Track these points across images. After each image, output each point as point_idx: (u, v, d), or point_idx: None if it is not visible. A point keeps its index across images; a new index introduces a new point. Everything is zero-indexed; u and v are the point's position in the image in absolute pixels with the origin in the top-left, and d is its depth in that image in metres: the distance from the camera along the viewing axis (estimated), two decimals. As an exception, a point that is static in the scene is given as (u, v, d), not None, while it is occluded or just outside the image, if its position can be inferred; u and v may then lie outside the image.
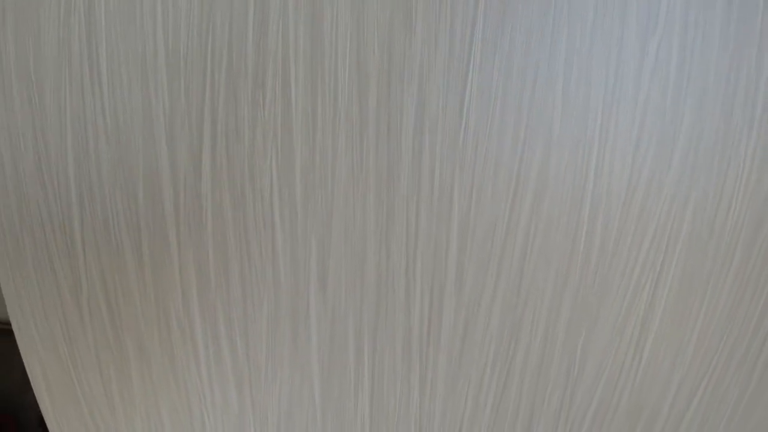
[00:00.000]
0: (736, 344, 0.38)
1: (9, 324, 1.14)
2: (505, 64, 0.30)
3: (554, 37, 0.31)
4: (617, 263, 0.34)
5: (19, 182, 0.36)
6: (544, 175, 0.32)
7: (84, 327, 0.38)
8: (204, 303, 0.35)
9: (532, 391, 0.37)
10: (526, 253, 0.33)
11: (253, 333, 0.35)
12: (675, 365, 0.37)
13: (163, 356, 0.37)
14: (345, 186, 0.32)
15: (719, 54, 0.31)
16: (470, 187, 0.32)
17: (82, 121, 0.33)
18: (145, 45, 0.31)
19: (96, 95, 0.33)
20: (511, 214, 0.32)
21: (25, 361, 0.42)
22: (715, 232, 0.34)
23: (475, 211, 0.32)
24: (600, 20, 0.30)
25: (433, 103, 0.30)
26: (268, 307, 0.34)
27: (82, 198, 0.35)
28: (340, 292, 0.34)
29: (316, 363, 0.35)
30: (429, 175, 0.32)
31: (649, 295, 0.35)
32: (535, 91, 0.30)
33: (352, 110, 0.31)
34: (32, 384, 0.42)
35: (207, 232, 0.33)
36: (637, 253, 0.34)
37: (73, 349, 0.39)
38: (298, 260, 0.33)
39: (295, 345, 0.35)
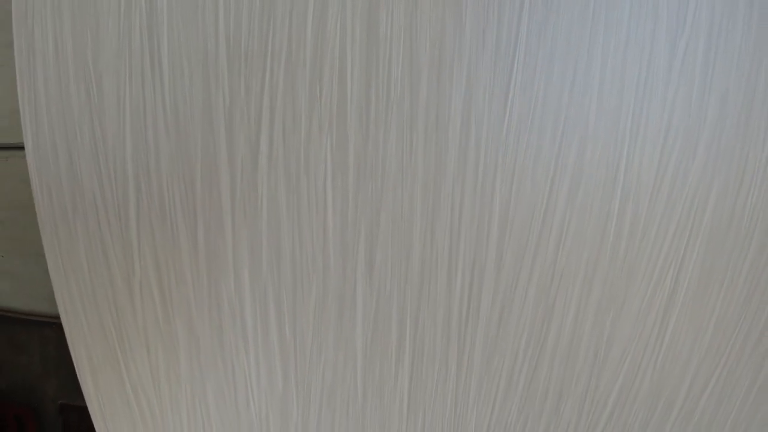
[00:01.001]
0: (750, 331, 0.41)
1: (27, 314, 1.14)
2: (547, 60, 0.32)
3: (592, 36, 0.33)
4: (644, 249, 0.36)
5: (74, 172, 0.37)
6: (580, 165, 0.34)
7: (134, 311, 0.39)
8: (255, 285, 0.36)
9: (561, 370, 0.39)
10: (561, 239, 0.35)
11: (301, 314, 0.37)
12: (693, 350, 0.40)
13: (212, 338, 0.38)
14: (395, 175, 0.34)
15: (741, 53, 0.34)
16: (511, 176, 0.34)
17: (142, 112, 0.35)
18: (206, 38, 0.33)
19: (156, 87, 0.34)
20: (548, 202, 0.34)
21: (70, 345, 0.43)
22: (735, 219, 0.37)
23: (515, 199, 0.34)
24: (635, 20, 0.32)
25: (479, 97, 0.32)
26: (316, 290, 0.36)
27: (139, 186, 0.36)
28: (386, 275, 0.36)
29: (360, 343, 0.37)
30: (474, 164, 0.34)
31: (672, 280, 0.37)
32: (574, 85, 0.33)
33: (404, 103, 0.32)
34: (76, 367, 0.43)
35: (262, 218, 0.35)
36: (662, 241, 0.36)
37: (121, 332, 0.40)
38: (348, 245, 0.35)
39: (341, 326, 0.37)
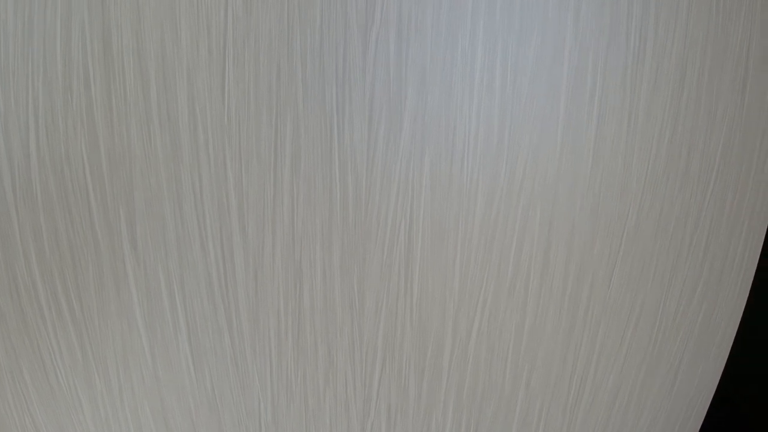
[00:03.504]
0: (500, 274, 0.45)
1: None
2: (254, 58, 0.38)
3: (290, 38, 0.39)
4: (372, 210, 0.41)
5: None
6: (297, 141, 0.40)
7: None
8: (43, 269, 0.42)
9: (323, 326, 0.43)
10: (293, 206, 0.41)
11: (85, 292, 0.42)
12: (445, 296, 0.44)
13: (17, 319, 0.44)
14: (141, 163, 0.39)
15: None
16: (239, 158, 0.39)
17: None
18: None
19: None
20: (275, 179, 0.40)
21: None
22: (454, 179, 0.42)
23: (247, 179, 0.40)
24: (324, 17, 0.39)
25: (201, 92, 0.39)
26: (93, 267, 0.42)
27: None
28: (149, 250, 0.41)
29: (139, 313, 0.42)
30: (204, 149, 0.39)
31: (405, 236, 0.42)
32: (280, 72, 0.39)
33: (139, 103, 0.39)
34: None
35: (38, 207, 0.41)
36: (387, 200, 0.41)
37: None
38: (112, 225, 0.40)
39: (120, 300, 0.42)
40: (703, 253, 0.60)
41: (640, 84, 0.50)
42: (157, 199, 0.42)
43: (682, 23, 0.51)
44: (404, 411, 0.50)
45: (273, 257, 0.43)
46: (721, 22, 0.53)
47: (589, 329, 0.54)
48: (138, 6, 0.40)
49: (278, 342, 0.45)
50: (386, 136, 0.42)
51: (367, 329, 0.45)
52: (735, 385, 0.95)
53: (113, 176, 0.41)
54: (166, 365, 0.46)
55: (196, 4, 0.40)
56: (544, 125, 0.46)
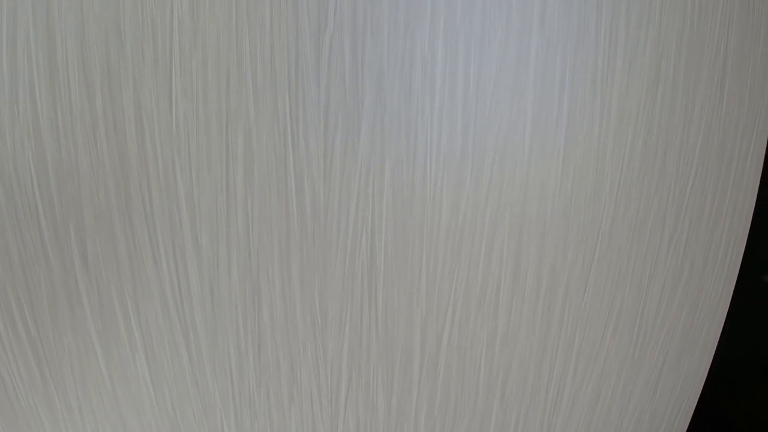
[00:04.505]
0: (469, 285, 0.44)
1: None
2: (202, 65, 0.37)
3: (238, 43, 0.37)
4: (331, 221, 0.39)
5: None
6: (250, 152, 0.38)
7: None
8: (-6, 287, 0.40)
9: (286, 342, 0.42)
10: (248, 219, 0.39)
11: (39, 311, 0.41)
12: (412, 307, 0.43)
13: (-30, 339, 0.42)
14: (89, 176, 0.38)
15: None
16: (189, 170, 0.38)
17: None
18: None
19: None
20: (228, 190, 0.38)
21: None
22: (417, 186, 0.40)
23: (198, 189, 0.38)
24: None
25: (147, 101, 0.37)
26: (45, 285, 0.40)
27: None
28: (100, 268, 0.39)
29: (94, 331, 0.41)
30: (153, 160, 0.38)
31: (367, 245, 0.40)
32: (229, 81, 0.37)
33: (85, 114, 0.37)
34: None
35: (-16, 226, 0.39)
36: (347, 211, 0.39)
37: None
38: (62, 242, 0.39)
39: (73, 316, 0.40)
40: (683, 254, 0.58)
41: (612, 83, 0.48)
42: (107, 214, 0.40)
43: (655, 20, 0.49)
44: (374, 427, 0.48)
45: (229, 271, 0.41)
46: (696, 18, 0.50)
47: (565, 335, 0.52)
48: (82, 16, 0.38)
49: (238, 359, 0.44)
50: (343, 143, 0.40)
51: (331, 343, 0.44)
52: (721, 385, 0.93)
53: (61, 191, 0.40)
54: (124, 384, 0.44)
55: (140, 9, 0.38)
56: (511, 128, 0.44)
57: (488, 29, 0.42)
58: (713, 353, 0.72)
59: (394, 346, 0.45)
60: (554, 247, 0.48)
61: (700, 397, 0.76)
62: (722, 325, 0.71)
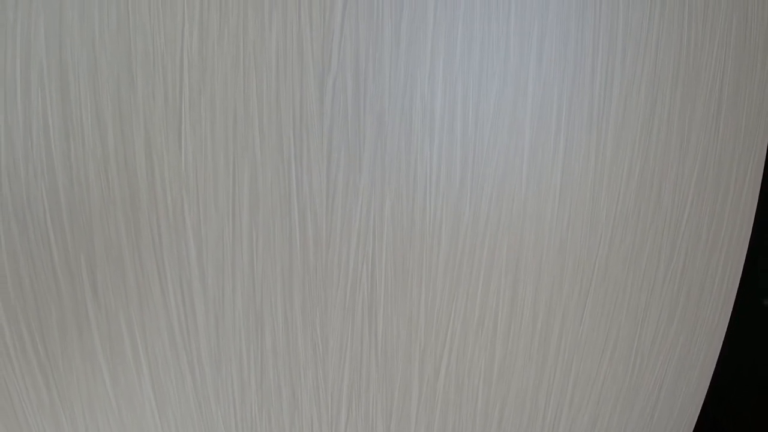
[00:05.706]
0: (467, 315, 0.44)
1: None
2: (210, 104, 0.38)
3: (245, 80, 0.38)
4: (333, 253, 0.40)
5: None
6: (254, 188, 0.39)
7: None
8: (8, 312, 0.41)
9: (287, 368, 0.42)
10: (253, 253, 0.40)
11: (49, 336, 0.42)
12: (411, 339, 0.43)
13: (-17, 362, 0.43)
14: (99, 209, 0.39)
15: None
16: (197, 204, 0.39)
17: None
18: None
19: None
20: (234, 225, 0.39)
21: None
22: (416, 221, 0.41)
23: (204, 222, 0.39)
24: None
25: (157, 139, 0.38)
26: (56, 312, 0.41)
27: None
28: (110, 296, 0.40)
29: (102, 357, 0.42)
30: (162, 194, 0.39)
31: (368, 278, 0.41)
32: (236, 122, 0.38)
33: (97, 151, 0.38)
34: None
35: (2, 254, 0.40)
36: (348, 243, 0.40)
37: None
38: (72, 271, 0.40)
39: (82, 342, 0.41)
40: (679, 283, 0.58)
41: (608, 117, 0.48)
42: (117, 246, 0.41)
43: (650, 55, 0.50)
44: (373, 452, 0.49)
45: (234, 303, 0.42)
46: (692, 52, 0.51)
47: (561, 364, 0.52)
48: (95, 54, 0.39)
49: (241, 386, 0.44)
50: (345, 179, 0.41)
51: (332, 372, 0.44)
52: (718, 400, 0.93)
53: (73, 222, 0.41)
54: (130, 410, 0.45)
55: (152, 51, 0.39)
56: (508, 163, 0.45)
57: (486, 68, 0.43)
58: (710, 377, 0.72)
59: (394, 376, 0.45)
60: (551, 278, 0.48)
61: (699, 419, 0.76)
62: (719, 350, 0.71)
